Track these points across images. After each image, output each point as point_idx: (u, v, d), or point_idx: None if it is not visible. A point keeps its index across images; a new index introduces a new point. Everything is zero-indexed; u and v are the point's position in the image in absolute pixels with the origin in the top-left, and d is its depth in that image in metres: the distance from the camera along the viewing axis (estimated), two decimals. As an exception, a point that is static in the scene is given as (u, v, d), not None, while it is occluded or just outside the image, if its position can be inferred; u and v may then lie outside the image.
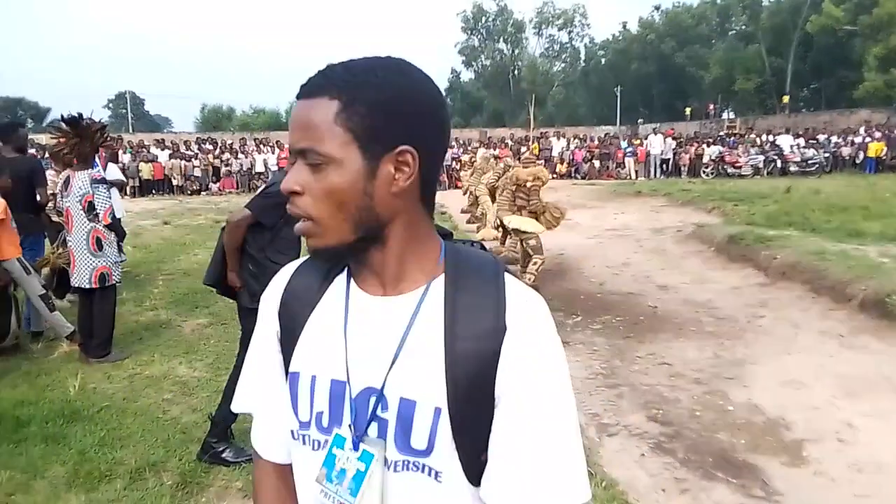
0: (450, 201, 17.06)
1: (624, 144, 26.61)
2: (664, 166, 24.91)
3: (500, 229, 9.42)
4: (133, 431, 3.91)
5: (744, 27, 49.55)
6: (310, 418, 0.93)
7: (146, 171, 22.32)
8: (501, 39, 55.53)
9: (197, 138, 28.70)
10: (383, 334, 0.89)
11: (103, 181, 4.99)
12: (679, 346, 5.81)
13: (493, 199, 9.64)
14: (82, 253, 4.90)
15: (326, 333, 0.93)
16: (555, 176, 23.06)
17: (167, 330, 5.94)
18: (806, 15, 42.82)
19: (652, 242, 10.83)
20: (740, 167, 23.47)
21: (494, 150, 24.34)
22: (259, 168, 23.94)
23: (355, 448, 0.88)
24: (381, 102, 0.84)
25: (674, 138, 26.42)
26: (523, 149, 24.07)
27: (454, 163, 23.40)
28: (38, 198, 5.64)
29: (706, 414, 4.42)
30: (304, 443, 0.94)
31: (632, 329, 6.32)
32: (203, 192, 22.71)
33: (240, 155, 24.32)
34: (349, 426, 0.89)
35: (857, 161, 24.10)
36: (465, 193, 13.69)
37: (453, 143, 26.94)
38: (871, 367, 5.15)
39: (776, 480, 3.60)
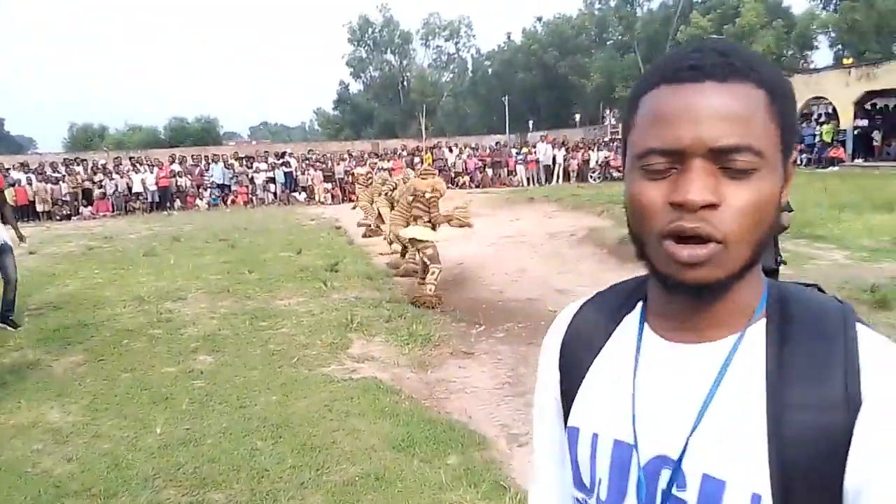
0: (344, 215, 16.79)
1: (514, 152, 27.21)
2: (556, 173, 25.63)
3: (399, 243, 9.32)
4: (-4, 490, 3.46)
5: (620, 37, 52.13)
6: (591, 483, 0.77)
7: (7, 196, 20.54)
8: (389, 51, 55.61)
9: (65, 159, 26.72)
10: (684, 391, 0.71)
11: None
12: (581, 348, 5.87)
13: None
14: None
15: (612, 384, 0.77)
16: (451, 186, 23.22)
17: (35, 371, 5.37)
18: (676, 25, 45.65)
19: (547, 247, 11.04)
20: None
21: (387, 162, 24.27)
22: (137, 188, 22.57)
23: None
24: (793, 99, 0.70)
25: (562, 144, 27.27)
26: (416, 159, 24.14)
27: (347, 176, 23.08)
28: None
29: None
30: None
31: (534, 335, 6.33)
32: (74, 218, 21.12)
33: (115, 175, 22.85)
34: (639, 499, 0.72)
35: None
36: (354, 208, 13.47)
37: (346, 155, 26.60)
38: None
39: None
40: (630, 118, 0.72)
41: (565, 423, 0.82)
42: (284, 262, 10.36)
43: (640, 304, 0.80)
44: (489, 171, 26.19)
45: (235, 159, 25.49)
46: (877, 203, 11.80)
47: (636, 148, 0.69)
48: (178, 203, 22.88)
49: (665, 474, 0.70)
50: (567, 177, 25.33)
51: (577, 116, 43.50)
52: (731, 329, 0.71)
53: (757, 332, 0.70)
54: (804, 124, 26.04)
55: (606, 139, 30.22)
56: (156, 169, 23.32)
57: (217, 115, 76.54)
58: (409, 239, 8.00)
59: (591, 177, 24.82)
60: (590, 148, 26.75)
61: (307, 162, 25.96)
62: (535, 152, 26.02)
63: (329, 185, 24.34)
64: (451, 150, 27.42)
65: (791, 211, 5.07)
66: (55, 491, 3.44)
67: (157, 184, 22.69)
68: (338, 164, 25.14)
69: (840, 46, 41.32)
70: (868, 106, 24.63)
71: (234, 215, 19.57)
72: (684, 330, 0.73)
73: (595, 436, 0.77)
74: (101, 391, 4.91)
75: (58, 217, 21.03)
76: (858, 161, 22.84)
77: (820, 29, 41.92)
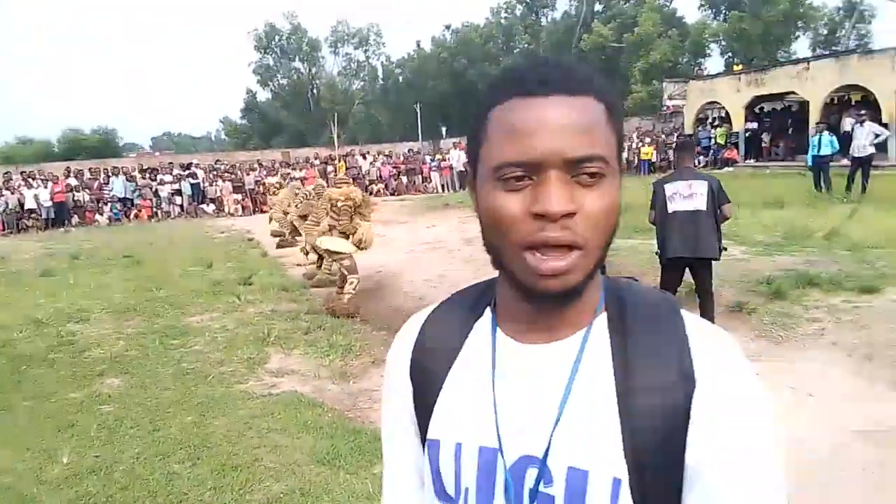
0: (256, 227, 16.38)
1: (428, 159, 27.37)
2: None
3: (315, 253, 9.19)
4: None
5: (527, 45, 53.47)
6: (455, 493, 0.76)
7: None
8: (297, 58, 54.75)
9: (-52, 174, 24.83)
10: (542, 390, 0.73)
11: None
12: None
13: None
14: None
15: (471, 392, 0.77)
16: (366, 194, 23.11)
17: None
18: (579, 34, 47.29)
19: (464, 252, 11.15)
20: (535, 175, 25.23)
21: (300, 171, 23.90)
22: (30, 205, 21.19)
23: None
24: (622, 111, 0.75)
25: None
26: (329, 168, 23.88)
27: (258, 187, 22.54)
28: None
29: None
30: None
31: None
32: (-39, 237, 19.66)
33: (4, 191, 21.40)
34: (508, 501, 0.73)
35: (634, 164, 26.91)
36: (270, 221, 13.17)
37: (256, 165, 25.98)
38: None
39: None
40: (480, 131, 0.73)
41: (423, 436, 0.80)
42: (195, 278, 10.00)
43: (488, 309, 0.81)
44: (404, 179, 26.23)
45: (138, 172, 24.40)
46: (768, 200, 12.60)
47: (492, 160, 0.70)
48: (76, 219, 21.65)
49: (531, 473, 0.72)
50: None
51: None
52: (578, 326, 0.75)
53: (600, 326, 0.75)
54: (700, 128, 27.52)
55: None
56: (50, 184, 21.95)
57: (115, 126, 72.97)
58: (325, 250, 7.90)
59: (504, 182, 25.35)
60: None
61: (215, 173, 25.18)
62: (448, 159, 26.25)
63: (239, 197, 23.70)
64: (364, 158, 27.29)
65: (730, 202, 5.27)
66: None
67: (52, 199, 21.36)
68: (248, 174, 24.51)
69: (730, 54, 43.95)
70: (757, 110, 26.30)
71: (138, 230, 18.72)
72: (535, 331, 0.76)
73: (458, 445, 0.76)
74: (0, 423, 4.59)
75: (-60, 237, 19.50)
76: (750, 161, 24.31)
77: (711, 38, 44.49)
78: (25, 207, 21.21)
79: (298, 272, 10.16)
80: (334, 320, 6.96)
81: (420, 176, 26.56)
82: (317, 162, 27.12)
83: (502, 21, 55.43)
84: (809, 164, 15.03)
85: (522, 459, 0.73)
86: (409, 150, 31.28)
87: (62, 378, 5.49)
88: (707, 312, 5.33)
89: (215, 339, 6.49)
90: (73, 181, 22.84)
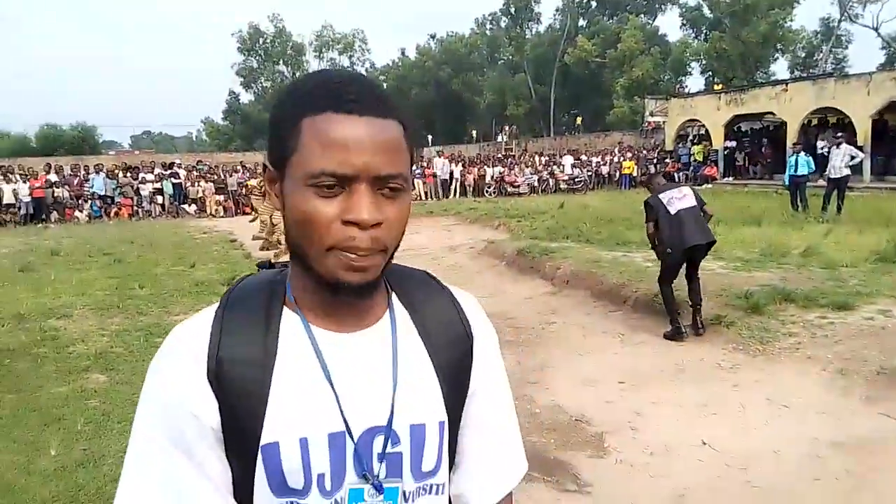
0: (238, 228, 16.32)
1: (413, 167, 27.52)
2: (453, 188, 26.07)
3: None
4: None
5: (511, 57, 53.90)
6: (305, 484, 0.80)
7: None
8: (281, 61, 54.66)
9: (-78, 169, 24.39)
10: (372, 369, 0.84)
11: None
12: (485, 357, 6.04)
13: None
14: None
15: (305, 389, 0.81)
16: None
17: None
18: (563, 48, 47.78)
19: (448, 260, 11.25)
20: (518, 186, 25.38)
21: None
22: (8, 199, 20.90)
23: (380, 491, 0.83)
24: (416, 132, 0.85)
25: (458, 160, 27.81)
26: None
27: (241, 188, 22.44)
28: None
29: (518, 419, 4.62)
30: None
31: (439, 345, 6.46)
32: (-64, 231, 19.30)
33: (-18, 185, 21.07)
34: (362, 475, 0.82)
35: (615, 179, 27.22)
36: (253, 220, 13.14)
37: (239, 167, 25.87)
38: (648, 361, 5.78)
39: (585, 472, 3.88)
40: (291, 138, 0.78)
41: (255, 443, 0.79)
42: (178, 277, 9.96)
43: (286, 309, 0.85)
44: (386, 185, 26.29)
45: (120, 169, 24.17)
46: (746, 218, 12.86)
47: (306, 167, 0.76)
48: (55, 215, 21.39)
49: (379, 440, 0.83)
50: (464, 191, 25.84)
51: (474, 132, 44.39)
52: (382, 308, 0.89)
53: (397, 304, 0.90)
54: (680, 144, 27.94)
55: (500, 155, 31.09)
56: (30, 178, 21.68)
57: (94, 122, 72.00)
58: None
59: (487, 192, 25.45)
60: (485, 163, 27.43)
61: (197, 173, 25.02)
62: (432, 167, 26.37)
63: (221, 198, 23.57)
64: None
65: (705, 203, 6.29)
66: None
67: (31, 194, 21.09)
68: (230, 175, 24.39)
69: (710, 73, 44.71)
70: (735, 129, 26.79)
71: (118, 228, 18.54)
72: (349, 320, 0.85)
73: (304, 440, 0.80)
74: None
75: (-87, 230, 19.14)
76: (729, 179, 24.74)
77: (692, 56, 45.24)
78: (3, 202, 20.91)
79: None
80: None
81: (403, 183, 26.64)
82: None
83: (487, 32, 55.80)
84: (787, 183, 15.36)
85: (368, 432, 0.83)
86: (392, 157, 31.33)
87: (46, 373, 5.47)
88: (698, 293, 6.26)
89: (200, 338, 6.49)
90: (53, 177, 22.55)
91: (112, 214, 22.04)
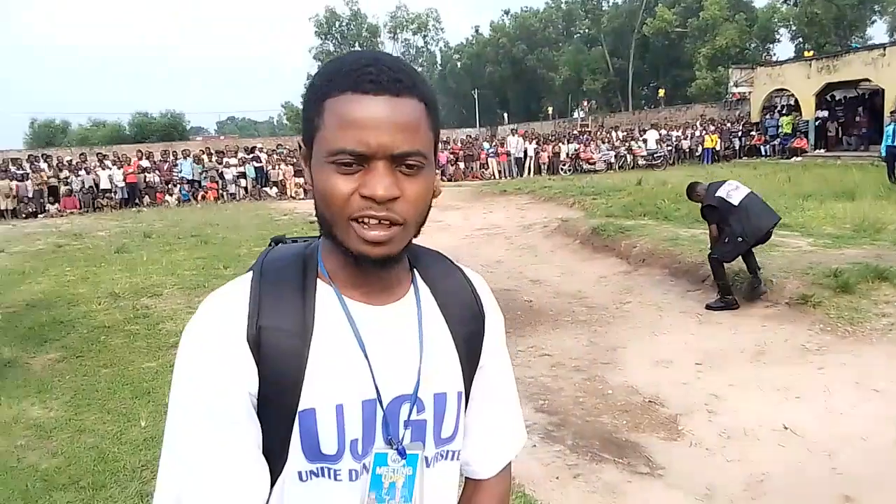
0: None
1: (486, 146, 27.33)
2: (528, 166, 25.79)
3: None
4: (-17, 486, 3.46)
5: (587, 30, 52.58)
6: (338, 450, 0.85)
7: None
8: (357, 44, 55.28)
9: (29, 156, 26.11)
10: (401, 341, 0.90)
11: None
12: (557, 336, 6.02)
13: None
14: None
15: (341, 357, 0.86)
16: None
17: (13, 369, 5.33)
18: (642, 18, 46.20)
19: (521, 239, 11.18)
20: (594, 163, 24.86)
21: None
22: (105, 185, 22.15)
23: (402, 456, 0.88)
24: (439, 110, 0.87)
25: (532, 138, 27.48)
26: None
27: (319, 170, 22.91)
28: None
29: (588, 399, 4.59)
30: (331, 477, 0.86)
31: (511, 324, 6.45)
32: (40, 215, 20.65)
33: (81, 172, 22.40)
34: (388, 441, 0.88)
35: (697, 153, 26.25)
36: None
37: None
38: (727, 341, 5.59)
39: (658, 455, 3.80)
40: (317, 118, 0.82)
41: (293, 409, 0.82)
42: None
43: (319, 282, 0.89)
44: (461, 165, 26.28)
45: (205, 154, 25.17)
46: (838, 192, 12.16)
47: (328, 145, 0.80)
48: (147, 199, 22.54)
49: (405, 407, 0.89)
50: (538, 169, 25.54)
51: (550, 109, 43.63)
52: (406, 284, 0.94)
53: (419, 281, 0.95)
54: (767, 116, 26.63)
55: (576, 132, 30.51)
56: (123, 165, 22.91)
57: (183, 109, 75.22)
58: None
59: (562, 169, 25.06)
60: (560, 141, 26.99)
61: (277, 156, 25.75)
62: (506, 145, 26.16)
63: (301, 180, 24.16)
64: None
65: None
66: (43, 484, 3.46)
67: (125, 180, 22.29)
68: (308, 158, 24.95)
69: (801, 39, 42.25)
70: (828, 97, 25.27)
71: (205, 211, 19.37)
72: (379, 294, 0.89)
73: (340, 406, 0.84)
74: (82, 387, 4.91)
75: (23, 215, 20.53)
76: (820, 151, 23.42)
77: (781, 22, 42.84)
78: (101, 187, 22.19)
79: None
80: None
81: (477, 162, 26.55)
82: (375, 147, 27.39)
83: (563, 5, 54.52)
84: (883, 154, 14.41)
85: (396, 399, 0.88)
86: (466, 137, 31.30)
87: (138, 348, 5.81)
88: (754, 258, 6.32)
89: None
90: (144, 163, 23.72)
91: (199, 198, 22.99)
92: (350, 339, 0.86)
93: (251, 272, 0.89)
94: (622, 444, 3.96)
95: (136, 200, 22.27)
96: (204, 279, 8.57)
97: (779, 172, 16.87)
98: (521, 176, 24.89)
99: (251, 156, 24.94)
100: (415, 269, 0.96)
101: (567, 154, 25.67)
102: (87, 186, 22.08)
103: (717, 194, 6.23)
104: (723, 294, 6.33)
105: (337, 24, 54.32)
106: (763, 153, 25.64)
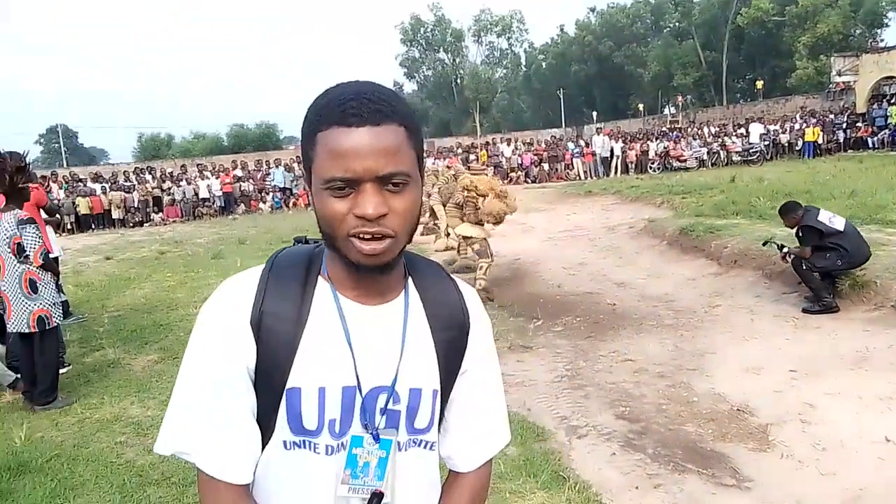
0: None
1: (571, 146, 26.93)
2: (614, 165, 25.22)
3: (456, 238, 9.39)
4: (86, 479, 3.70)
5: (677, 24, 50.86)
6: (318, 426, 0.98)
7: (83, 205, 21.46)
8: (442, 49, 55.76)
9: (136, 168, 27.90)
10: (384, 338, 1.01)
11: (31, 221, 4.75)
12: (640, 341, 5.84)
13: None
14: (16, 297, 4.66)
15: (328, 346, 0.98)
16: (507, 182, 23.17)
17: (116, 369, 5.69)
18: (736, 8, 44.26)
19: (605, 240, 10.94)
20: (685, 160, 24.00)
21: (443, 160, 24.39)
22: (204, 194, 23.39)
23: (376, 440, 1.00)
24: (420, 128, 0.98)
25: (619, 136, 26.86)
26: (472, 156, 24.16)
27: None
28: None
29: (672, 407, 4.43)
30: (311, 449, 0.99)
31: (593, 328, 6.33)
32: (146, 224, 22.02)
33: (182, 182, 23.73)
34: (364, 425, 1.00)
35: (797, 147, 24.88)
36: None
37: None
38: (825, 347, 5.26)
39: (745, 467, 3.62)
40: (311, 150, 0.94)
41: (282, 386, 0.97)
42: (345, 262, 10.57)
43: (321, 279, 1.02)
44: (545, 166, 26.02)
45: (296, 163, 26.06)
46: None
47: (322, 174, 0.91)
48: (242, 207, 23.60)
49: (382, 397, 1.00)
50: (625, 169, 24.93)
51: (641, 106, 42.39)
52: (398, 289, 1.05)
53: (411, 288, 1.06)
54: (874, 106, 24.91)
55: (665, 129, 29.59)
56: (221, 175, 24.10)
57: (276, 120, 78.24)
58: (461, 236, 8.09)
59: (651, 168, 24.35)
60: (648, 139, 26.25)
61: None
62: (591, 145, 25.69)
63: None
64: (508, 145, 27.35)
65: None
66: (139, 479, 3.67)
67: (221, 189, 23.45)
68: (394, 163, 25.38)
69: (914, 22, 39.21)
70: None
71: (296, 218, 20.05)
72: (371, 295, 1.01)
73: (322, 389, 0.97)
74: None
75: (131, 224, 21.97)
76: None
77: (889, 5, 39.91)
78: (200, 196, 23.44)
79: (440, 258, 10.45)
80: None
81: (562, 163, 26.21)
82: (459, 151, 27.55)
83: (651, 0, 53.01)
84: None
85: (374, 389, 1.00)
86: (551, 137, 30.98)
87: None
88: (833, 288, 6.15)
89: (362, 320, 6.86)
90: (239, 172, 24.86)
91: (290, 205, 23.85)
92: (339, 331, 0.98)
93: (263, 264, 1.04)
94: (707, 454, 3.79)
95: (232, 208, 23.35)
96: (292, 284, 8.85)
97: (888, 166, 15.74)
98: (608, 176, 24.37)
99: (339, 163, 25.58)
100: (409, 277, 1.07)
101: (656, 152, 24.92)
102: (187, 196, 23.37)
103: (818, 218, 6.11)
104: (819, 297, 5.99)
105: (422, 30, 54.97)
106: (870, 146, 23.98)
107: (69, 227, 20.75)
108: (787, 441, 3.86)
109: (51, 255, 5.11)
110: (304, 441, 0.99)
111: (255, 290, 0.99)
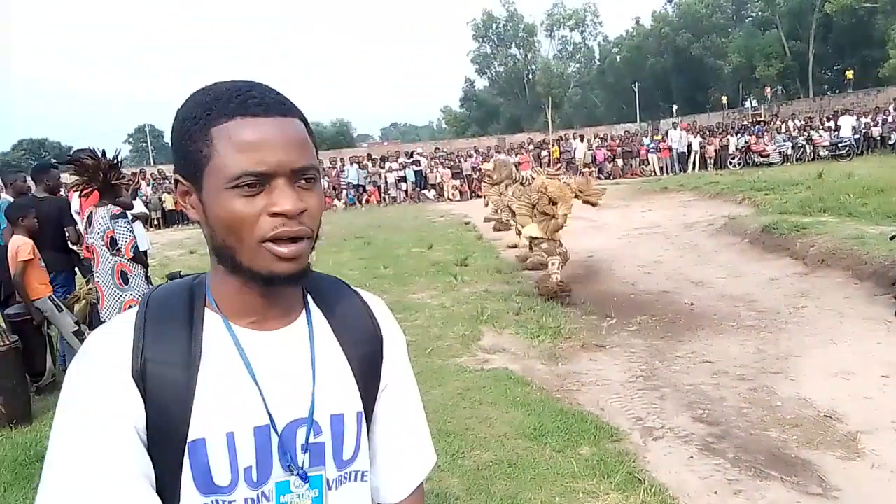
0: (473, 211, 17.02)
1: (646, 141, 26.31)
2: (692, 161, 24.48)
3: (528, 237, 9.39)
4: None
5: (760, 13, 48.85)
6: (232, 479, 0.84)
7: (169, 201, 22.49)
8: (514, 45, 55.41)
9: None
10: (292, 365, 0.89)
11: (123, 216, 5.01)
12: (720, 342, 5.66)
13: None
14: (109, 287, 4.92)
15: (230, 385, 0.85)
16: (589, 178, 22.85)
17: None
18: (823, -4, 42.11)
19: (683, 238, 10.64)
20: (768, 155, 23.04)
21: (514, 156, 24.29)
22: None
23: (305, 480, 0.88)
24: (311, 128, 0.90)
25: (697, 131, 26.05)
26: (543, 153, 23.95)
27: (475, 172, 23.34)
28: (67, 236, 5.71)
29: (754, 411, 4.27)
30: None
31: (669, 328, 6.17)
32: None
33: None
34: (286, 467, 0.87)
35: (890, 141, 23.49)
36: (487, 204, 13.64)
37: (473, 152, 26.88)
38: (923, 351, 4.96)
39: (833, 476, 3.46)
40: (205, 147, 0.81)
41: (182, 441, 0.81)
42: (417, 258, 10.71)
43: (207, 311, 0.88)
44: (619, 162, 25.51)
45: (369, 160, 26.53)
46: None
47: (226, 171, 0.80)
48: (317, 204, 24.20)
49: (301, 431, 0.88)
50: (704, 164, 24.16)
51: (724, 99, 40.82)
52: (299, 309, 0.93)
53: (313, 306, 0.95)
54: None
55: (746, 122, 28.50)
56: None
57: (350, 118, 79.78)
58: (528, 237, 8.07)
59: (731, 163, 23.51)
60: (728, 133, 25.33)
61: (436, 160, 26.53)
62: (667, 140, 25.01)
63: (457, 182, 24.74)
64: (581, 141, 26.96)
65: None
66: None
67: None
68: (465, 160, 25.49)
69: None
70: None
71: (368, 214, 20.41)
72: (269, 318, 0.89)
73: (230, 434, 0.83)
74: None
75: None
76: None
77: None
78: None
79: (511, 254, 10.42)
80: (545, 303, 7.07)
81: (637, 158, 25.64)
82: (531, 147, 27.36)
83: (733, -11, 51.11)
84: None
85: (291, 424, 0.87)
86: (625, 132, 30.35)
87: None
88: None
89: (434, 315, 6.93)
90: (315, 170, 25.50)
91: (363, 201, 24.28)
92: (239, 366, 0.85)
93: (134, 308, 0.89)
94: (791, 460, 3.64)
95: (308, 205, 23.96)
96: (365, 279, 9.03)
97: None
98: (685, 172, 23.69)
99: (411, 160, 25.90)
100: (308, 295, 0.96)
101: (736, 147, 24.04)
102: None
103: None
104: None
105: (493, 26, 54.80)
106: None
107: (156, 222, 21.80)
108: (879, 450, 3.66)
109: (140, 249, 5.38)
110: (216, 501, 0.83)
111: (130, 338, 0.84)
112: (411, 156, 26.71)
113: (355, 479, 0.94)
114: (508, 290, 7.90)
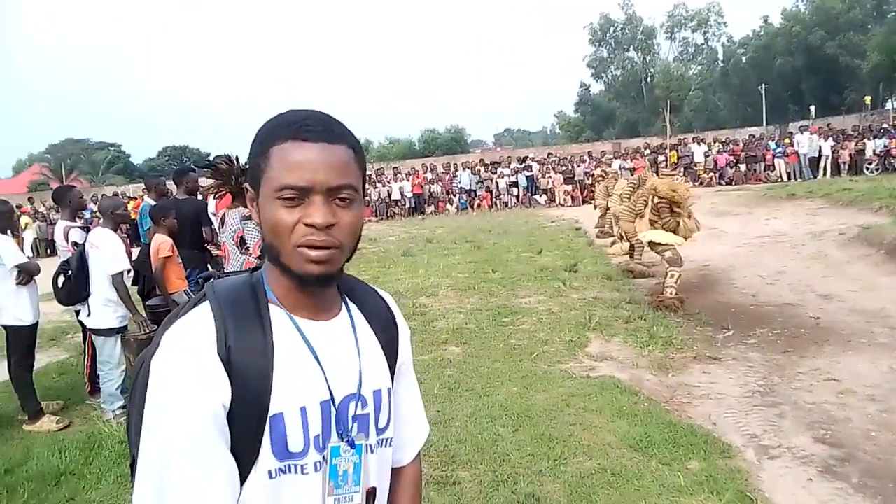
0: (584, 216, 16.77)
1: (772, 145, 24.84)
2: (823, 166, 22.87)
3: (628, 241, 9.24)
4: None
5: (906, 7, 44.93)
6: (304, 446, 1.02)
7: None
8: (631, 48, 53.90)
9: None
10: (343, 349, 1.10)
11: (251, 217, 5.35)
12: (848, 360, 5.29)
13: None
14: (239, 284, 5.28)
15: (300, 367, 1.03)
16: (695, 185, 21.98)
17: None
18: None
19: (810, 248, 10.00)
20: (911, 160, 21.14)
21: (629, 161, 23.66)
22: (396, 195, 24.84)
23: (352, 447, 1.06)
24: (364, 155, 1.08)
25: (829, 134, 24.31)
26: (660, 158, 23.17)
27: (587, 178, 22.95)
28: (205, 235, 6.17)
29: (884, 434, 3.97)
30: (299, 472, 1.02)
31: (791, 343, 5.84)
32: (345, 223, 23.82)
33: (377, 184, 25.33)
34: (340, 435, 1.05)
35: None
36: (595, 208, 13.39)
37: (585, 157, 26.44)
38: None
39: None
40: (263, 162, 1.01)
41: (263, 415, 0.97)
42: (525, 262, 10.70)
43: (272, 306, 1.05)
44: (742, 167, 24.25)
45: (481, 165, 26.74)
46: None
47: (274, 183, 0.99)
48: (430, 208, 24.68)
49: (353, 404, 1.07)
50: (837, 170, 22.51)
51: (868, 99, 37.79)
52: (339, 305, 1.14)
53: (348, 301, 1.16)
54: None
55: (886, 125, 26.29)
56: (411, 177, 25.40)
57: (465, 124, 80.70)
58: (649, 242, 7.78)
59: (868, 168, 21.77)
60: (864, 136, 23.47)
61: (548, 165, 26.33)
62: (795, 144, 23.49)
63: (569, 188, 24.43)
64: (699, 145, 25.86)
65: None
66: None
67: (412, 191, 24.72)
68: (578, 165, 25.13)
69: None
70: None
71: (479, 218, 20.58)
72: (320, 311, 1.09)
73: (303, 408, 1.01)
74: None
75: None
76: None
77: None
78: (392, 197, 24.89)
79: (622, 262, 10.19)
80: (656, 312, 6.87)
81: (762, 164, 24.27)
82: (647, 152, 26.56)
83: (874, -18, 47.36)
84: None
85: (345, 399, 1.06)
86: (749, 136, 28.81)
87: (415, 342, 6.38)
88: None
89: (541, 319, 6.92)
90: (428, 175, 26.02)
91: (475, 206, 24.50)
92: (305, 351, 1.04)
93: (205, 303, 1.03)
94: (925, 490, 3.36)
95: (421, 209, 24.49)
96: (474, 282, 9.14)
97: None
98: (815, 178, 22.15)
99: (523, 165, 25.86)
100: (343, 293, 1.16)
101: (874, 151, 22.21)
102: (381, 197, 24.88)
103: None
104: None
105: (611, 29, 53.59)
106: None
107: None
108: None
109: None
110: (289, 465, 1.00)
111: (213, 327, 0.99)
112: (523, 161, 26.66)
113: (386, 445, 1.15)
114: (618, 297, 7.74)
